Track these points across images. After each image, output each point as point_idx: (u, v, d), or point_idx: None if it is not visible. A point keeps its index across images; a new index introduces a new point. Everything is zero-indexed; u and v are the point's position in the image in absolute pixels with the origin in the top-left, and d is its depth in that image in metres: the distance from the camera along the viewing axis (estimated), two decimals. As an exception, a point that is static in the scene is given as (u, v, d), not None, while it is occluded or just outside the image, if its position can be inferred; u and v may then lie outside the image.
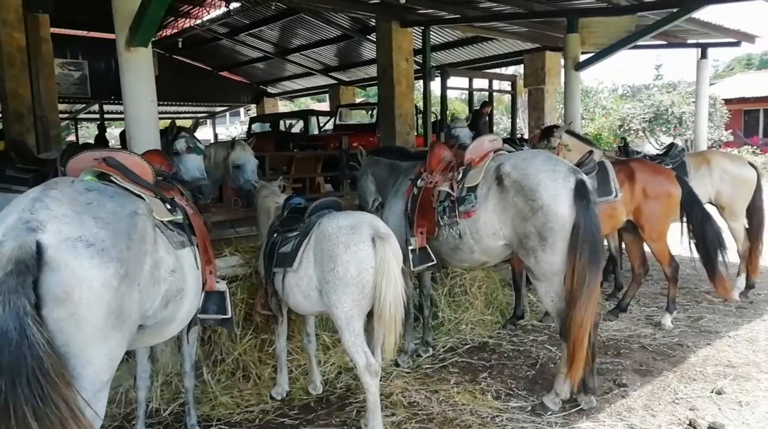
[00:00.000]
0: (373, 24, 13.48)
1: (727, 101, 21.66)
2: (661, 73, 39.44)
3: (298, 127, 16.55)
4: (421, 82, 11.61)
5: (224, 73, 21.57)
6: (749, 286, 6.08)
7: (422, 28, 10.42)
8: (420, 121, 12.23)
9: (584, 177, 3.59)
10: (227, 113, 29.70)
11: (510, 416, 3.65)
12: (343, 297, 3.15)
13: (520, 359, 4.67)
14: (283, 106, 26.01)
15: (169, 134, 4.50)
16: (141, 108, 4.24)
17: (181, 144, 4.40)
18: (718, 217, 5.82)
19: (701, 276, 6.86)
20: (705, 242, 4.85)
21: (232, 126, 36.62)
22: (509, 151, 4.14)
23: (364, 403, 3.83)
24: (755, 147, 19.69)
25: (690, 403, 3.74)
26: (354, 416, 3.73)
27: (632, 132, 23.21)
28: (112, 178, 2.49)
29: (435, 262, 4.02)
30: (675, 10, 6.94)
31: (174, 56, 19.62)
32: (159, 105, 15.13)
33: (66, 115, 21.65)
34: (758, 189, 5.75)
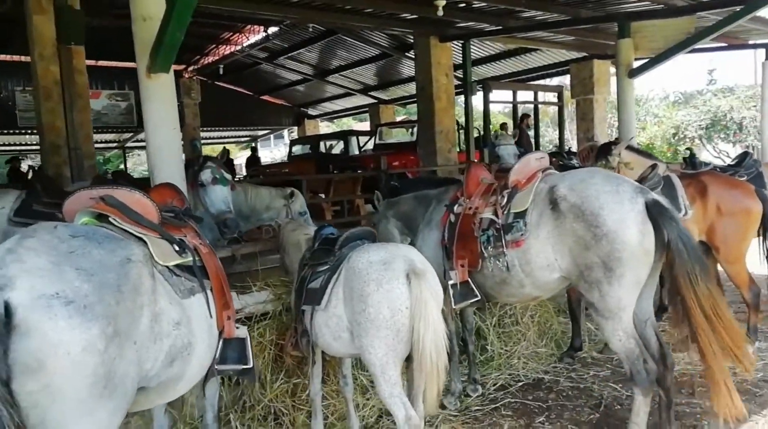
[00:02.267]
0: (411, 41, 13.30)
1: (792, 103, 20.31)
2: (715, 77, 37.62)
3: (338, 148, 16.45)
4: (462, 97, 11.30)
5: (265, 97, 21.89)
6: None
7: (462, 42, 10.11)
8: (462, 137, 11.86)
9: (654, 196, 3.13)
10: (271, 136, 30.11)
11: (574, 473, 3.18)
12: (375, 341, 2.79)
13: (581, 399, 4.17)
14: (325, 127, 26.13)
15: (195, 165, 4.29)
16: (163, 136, 4.05)
17: (206, 175, 4.19)
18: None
19: (781, 297, 6.20)
20: None
21: (276, 148, 37.09)
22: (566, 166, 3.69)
23: (406, 453, 3.46)
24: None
25: (789, 457, 3.18)
26: (396, 470, 3.32)
27: (687, 140, 22.07)
28: (110, 218, 2.22)
29: (479, 297, 3.59)
30: (738, 8, 6.35)
31: (215, 83, 20.01)
32: (202, 131, 15.38)
33: (114, 145, 22.37)
34: None
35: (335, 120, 28.68)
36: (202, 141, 19.28)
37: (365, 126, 29.59)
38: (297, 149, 16.82)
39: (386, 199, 4.72)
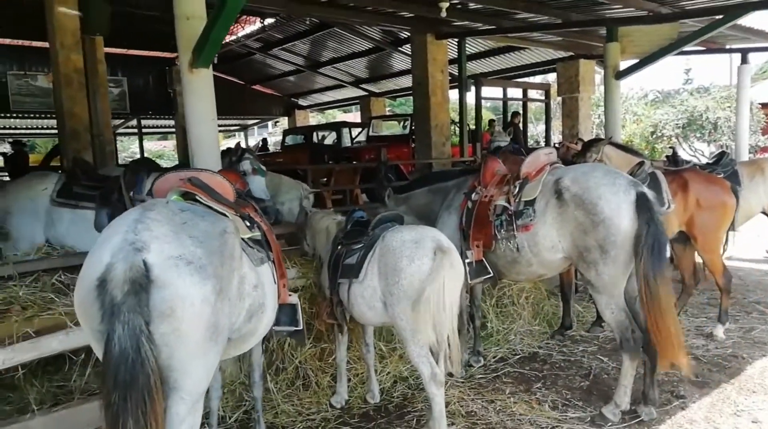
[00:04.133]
0: (405, 36, 13.67)
1: (764, 105, 21.21)
2: (691, 77, 38.74)
3: (330, 138, 16.78)
4: (453, 92, 11.70)
5: (256, 87, 22.01)
6: (802, 295, 5.98)
7: (457, 39, 10.52)
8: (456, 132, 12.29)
9: (645, 189, 3.63)
10: (255, 126, 30.23)
11: (570, 427, 3.68)
12: (407, 309, 3.23)
13: (573, 370, 4.68)
14: (312, 119, 26.36)
15: (233, 155, 4.65)
16: (203, 127, 4.40)
17: (246, 165, 4.54)
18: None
19: (748, 286, 6.81)
20: None
21: (260, 137, 37.19)
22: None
23: (422, 412, 3.95)
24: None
25: (752, 415, 3.72)
26: (414, 425, 3.80)
27: (665, 138, 22.85)
28: (196, 197, 2.62)
29: (491, 274, 4.08)
30: (719, 17, 6.89)
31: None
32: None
33: (106, 131, 22.29)
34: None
35: (324, 111, 29.01)
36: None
37: (350, 117, 29.86)
38: (290, 139, 17.11)
39: (396, 194, 5.12)
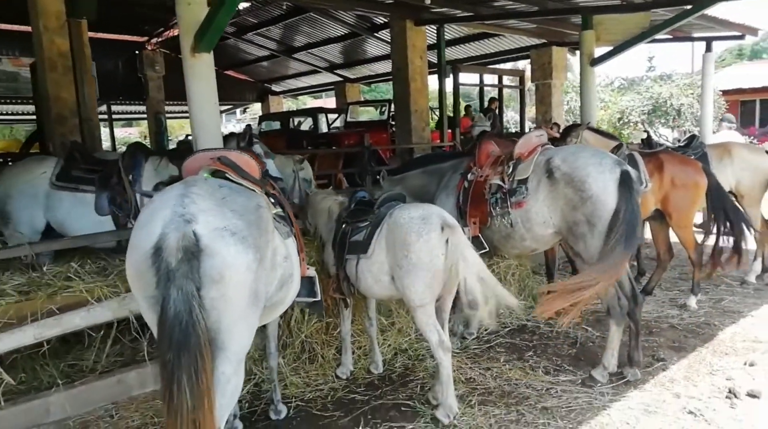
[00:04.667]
0: (381, 22, 13.76)
1: (725, 92, 22.06)
2: (654, 64, 39.88)
3: (306, 124, 16.80)
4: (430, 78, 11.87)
5: (229, 72, 21.75)
6: (765, 269, 6.42)
7: (436, 26, 10.69)
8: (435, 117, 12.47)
9: (628, 168, 3.91)
10: (223, 114, 29.90)
11: (563, 388, 3.97)
12: (416, 281, 3.45)
13: (560, 339, 4.98)
14: (285, 105, 26.24)
15: (241, 139, 4.76)
16: (205, 110, 4.51)
17: (257, 149, 4.67)
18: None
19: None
20: (734, 228, 5.17)
21: (229, 124, 36.82)
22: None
23: (424, 380, 4.20)
24: (752, 137, 20.07)
25: (726, 374, 4.07)
26: (418, 391, 4.04)
27: (631, 124, 23.57)
28: (226, 175, 2.77)
29: (488, 249, 4.33)
30: (688, 7, 7.24)
31: (179, 56, 19.79)
32: (166, 104, 15.24)
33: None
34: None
35: (295, 97, 28.86)
36: (167, 116, 19.20)
37: (319, 103, 29.69)
38: (265, 125, 17.06)
39: (390, 176, 5.32)
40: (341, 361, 4.37)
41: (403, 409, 3.80)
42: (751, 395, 3.71)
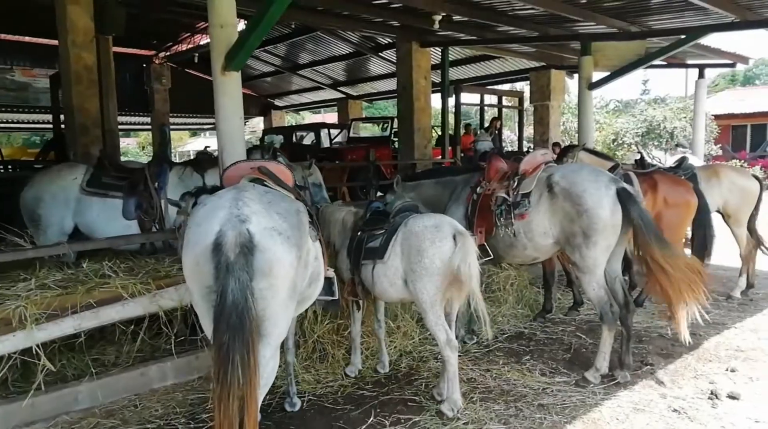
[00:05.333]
0: (386, 42, 14.23)
1: (717, 117, 22.63)
2: (649, 87, 40.77)
3: (308, 139, 17.18)
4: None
5: (233, 87, 22.14)
6: (749, 285, 6.77)
7: (441, 48, 11.15)
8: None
9: (624, 184, 4.27)
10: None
11: (558, 388, 4.28)
12: (428, 285, 3.77)
13: (555, 345, 5.29)
14: (286, 120, 26.68)
15: (265, 152, 5.11)
16: (232, 124, 4.86)
17: (282, 160, 5.00)
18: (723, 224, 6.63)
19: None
20: (701, 244, 5.66)
21: (213, 138, 37.13)
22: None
23: (428, 379, 4.50)
24: (743, 161, 20.60)
25: (709, 378, 4.40)
26: (423, 389, 4.34)
27: (625, 146, 24.10)
28: (264, 183, 3.11)
29: (492, 256, 4.68)
30: (682, 36, 7.68)
31: (186, 70, 20.27)
32: (171, 116, 15.46)
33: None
34: (760, 199, 6.50)
35: (297, 112, 29.35)
36: (171, 127, 19.56)
37: (318, 118, 30.03)
38: (268, 139, 17.43)
39: (404, 182, 5.65)
40: (350, 360, 4.67)
41: (409, 404, 4.10)
42: (732, 397, 4.03)
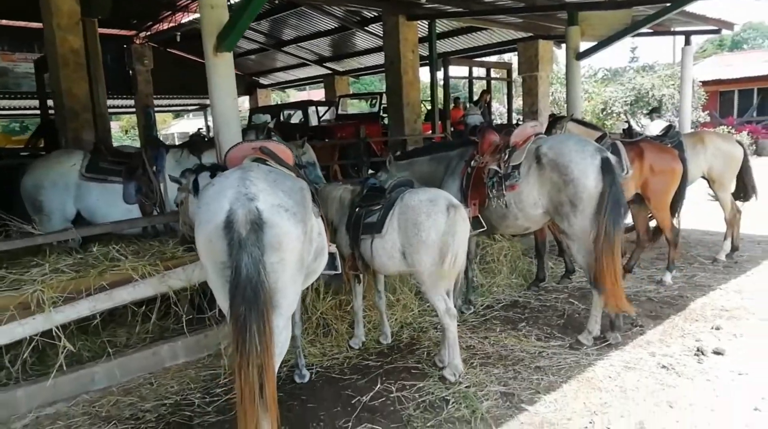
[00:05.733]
0: (371, 15, 14.14)
1: (704, 83, 22.76)
2: (637, 55, 40.82)
3: (296, 117, 17.12)
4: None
5: (219, 65, 21.87)
6: (734, 248, 6.99)
7: (427, 20, 11.11)
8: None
9: (608, 154, 4.40)
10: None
11: (553, 351, 4.48)
12: (425, 257, 3.91)
13: (549, 312, 5.49)
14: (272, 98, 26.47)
15: (260, 133, 5.18)
16: (225, 104, 4.92)
17: (278, 140, 5.07)
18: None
19: (690, 242, 7.82)
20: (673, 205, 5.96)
21: (196, 119, 36.81)
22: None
23: (429, 348, 4.68)
24: (730, 127, 20.81)
25: (695, 336, 4.61)
26: (425, 357, 4.52)
27: (614, 115, 24.24)
28: (266, 162, 3.20)
29: (485, 228, 4.82)
30: (668, 4, 7.75)
31: (168, 50, 20.00)
32: (154, 98, 15.12)
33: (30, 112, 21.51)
34: (746, 163, 6.68)
35: (282, 90, 29.11)
36: (156, 109, 19.36)
37: (303, 96, 29.74)
38: (255, 118, 17.35)
39: (397, 161, 5.75)
40: (354, 333, 4.83)
41: (413, 371, 4.28)
42: (716, 352, 4.25)
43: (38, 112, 11.26)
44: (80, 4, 6.92)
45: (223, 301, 2.76)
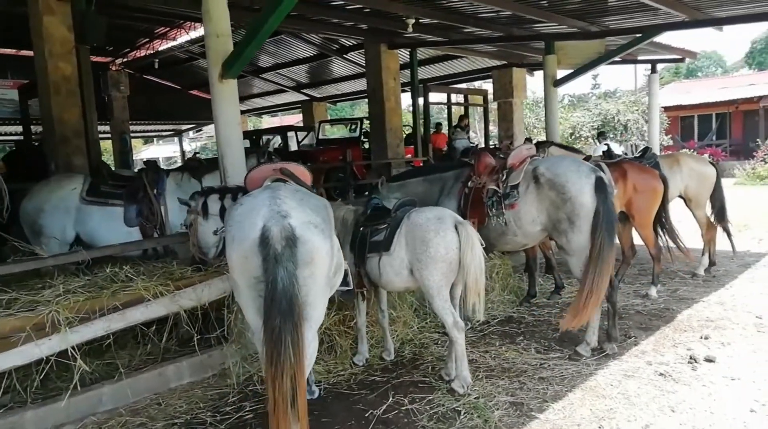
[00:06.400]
0: (350, 44, 14.45)
1: (666, 109, 23.74)
2: (599, 82, 42.42)
3: (275, 142, 17.20)
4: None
5: (194, 92, 21.97)
6: (711, 263, 7.33)
7: (409, 49, 11.46)
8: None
9: (602, 174, 4.66)
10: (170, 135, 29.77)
11: (554, 363, 4.64)
12: (434, 272, 4.06)
13: (544, 326, 5.66)
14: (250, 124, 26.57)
15: (260, 157, 5.31)
16: (230, 129, 5.04)
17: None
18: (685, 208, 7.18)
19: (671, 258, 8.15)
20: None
21: (170, 145, 36.73)
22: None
23: (433, 363, 4.79)
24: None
25: (686, 345, 4.84)
26: (430, 371, 4.62)
27: (582, 139, 25.06)
28: (287, 183, 3.33)
29: (484, 245, 4.98)
30: (638, 35, 8.23)
31: (143, 76, 19.98)
32: (130, 124, 14.96)
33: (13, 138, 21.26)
34: (718, 182, 7.06)
35: (259, 116, 29.24)
36: (132, 135, 19.21)
37: (276, 122, 29.84)
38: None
39: (389, 183, 5.93)
40: (357, 349, 4.92)
41: (420, 385, 4.38)
42: (708, 360, 4.47)
43: (18, 138, 11.11)
44: (74, 32, 6.97)
45: (253, 315, 2.85)
